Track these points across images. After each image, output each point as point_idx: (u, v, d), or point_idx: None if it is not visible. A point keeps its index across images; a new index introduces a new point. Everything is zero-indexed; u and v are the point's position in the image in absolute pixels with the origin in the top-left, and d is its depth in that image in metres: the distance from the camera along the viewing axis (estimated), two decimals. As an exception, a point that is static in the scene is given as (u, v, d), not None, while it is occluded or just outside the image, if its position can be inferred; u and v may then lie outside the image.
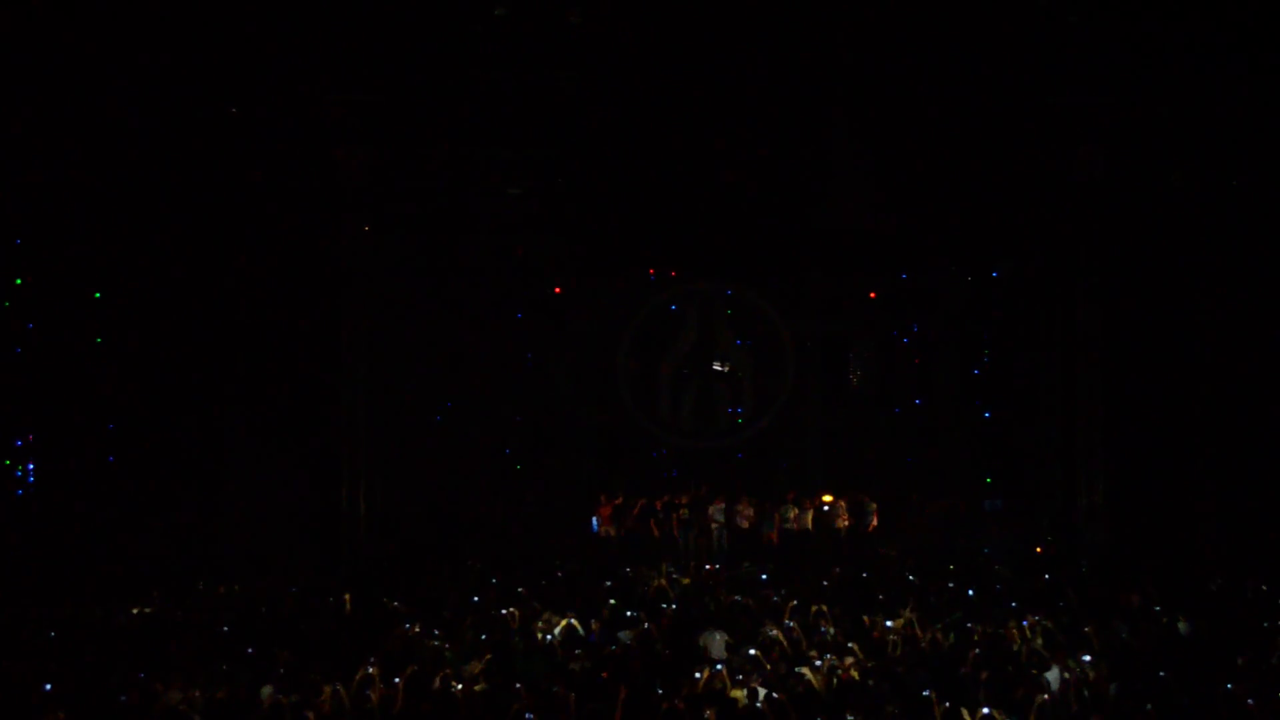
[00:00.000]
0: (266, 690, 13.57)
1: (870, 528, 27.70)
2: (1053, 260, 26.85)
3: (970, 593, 19.74)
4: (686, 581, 21.54)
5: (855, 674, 14.27)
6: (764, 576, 21.79)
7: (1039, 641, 15.72)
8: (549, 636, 16.46)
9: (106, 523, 21.87)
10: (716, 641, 16.01)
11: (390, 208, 26.27)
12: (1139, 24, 20.54)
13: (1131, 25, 20.64)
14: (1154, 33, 20.67)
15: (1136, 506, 25.01)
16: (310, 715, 12.90)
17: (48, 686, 13.64)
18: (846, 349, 31.11)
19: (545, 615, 17.43)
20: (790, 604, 17.55)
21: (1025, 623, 16.58)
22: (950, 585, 20.50)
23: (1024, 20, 20.69)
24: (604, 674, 14.56)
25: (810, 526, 27.51)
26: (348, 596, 18.45)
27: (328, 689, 13.34)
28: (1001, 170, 25.47)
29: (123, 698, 13.31)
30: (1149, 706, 13.04)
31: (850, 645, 15.45)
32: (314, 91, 22.92)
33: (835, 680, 13.98)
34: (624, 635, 16.55)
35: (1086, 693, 13.52)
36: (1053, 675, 14.02)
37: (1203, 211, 23.76)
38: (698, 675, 13.90)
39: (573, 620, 16.82)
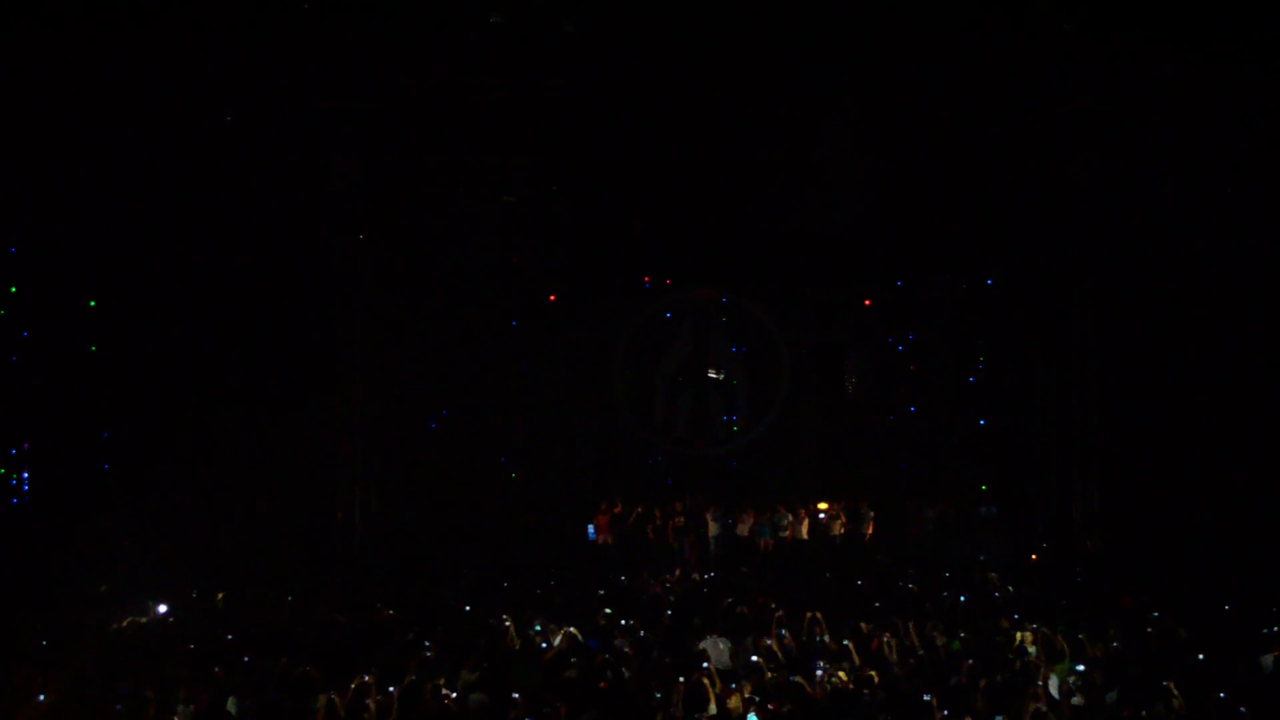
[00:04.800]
0: (232, 701, 13.57)
1: (867, 535, 27.70)
2: (1047, 267, 26.90)
3: (963, 599, 19.80)
4: (673, 589, 21.63)
5: (850, 683, 14.26)
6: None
7: (1034, 650, 15.73)
8: (545, 645, 16.45)
9: (101, 531, 21.81)
10: (720, 649, 16.00)
11: (385, 216, 26.30)
12: (1133, 31, 20.57)
13: (1125, 32, 20.66)
14: (1148, 40, 20.69)
15: (1131, 514, 25.03)
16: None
17: (41, 697, 13.61)
18: (841, 356, 31.12)
19: (540, 624, 17.42)
20: (778, 613, 17.54)
21: (1021, 630, 16.62)
22: (946, 593, 20.55)
23: (1018, 28, 20.70)
24: (601, 683, 14.54)
25: (805, 534, 27.50)
26: (341, 620, 18.40)
27: (323, 698, 13.33)
28: (996, 178, 25.53)
29: (119, 707, 13.27)
30: (1144, 713, 13.07)
31: (847, 647, 15.48)
32: (308, 100, 22.92)
33: (830, 688, 13.96)
34: (621, 643, 16.52)
35: (1083, 700, 13.51)
36: (1050, 683, 14.04)
37: (1197, 218, 23.78)
38: (681, 679, 13.88)
39: (570, 629, 16.80)
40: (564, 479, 29.65)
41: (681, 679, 13.86)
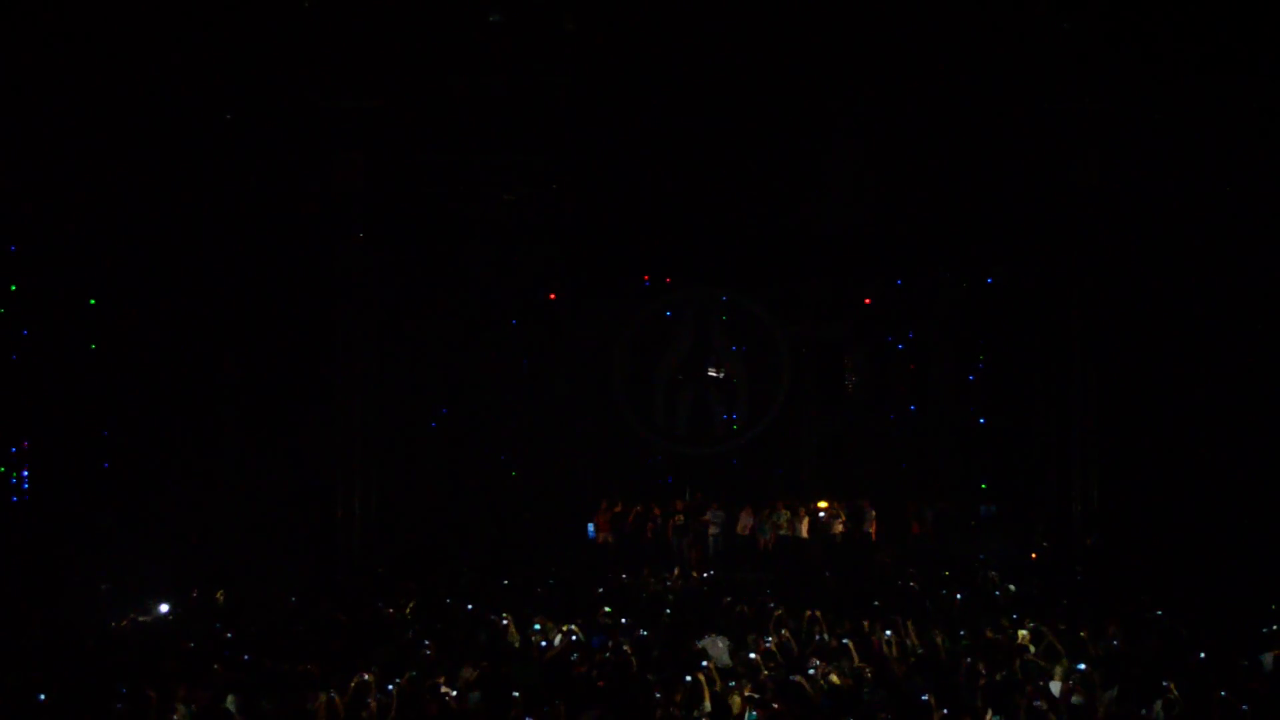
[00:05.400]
0: (231, 699, 13.57)
1: (871, 534, 27.70)
2: (1048, 266, 26.89)
3: (959, 597, 19.82)
4: (672, 587, 21.64)
5: (850, 681, 14.27)
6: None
7: (1033, 648, 15.73)
8: (544, 643, 16.46)
9: (101, 530, 21.82)
10: (719, 647, 16.00)
11: (385, 214, 26.27)
12: (1134, 30, 20.56)
13: (1127, 32, 20.65)
14: (1149, 39, 20.68)
15: (1131, 512, 25.03)
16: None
17: (41, 696, 13.61)
18: (841, 355, 31.08)
19: (540, 622, 17.43)
20: (777, 613, 17.54)
21: (1021, 629, 16.63)
22: (945, 591, 20.57)
23: (1019, 27, 20.70)
24: (600, 681, 14.56)
25: (805, 533, 27.51)
26: (342, 618, 18.41)
27: (323, 696, 13.33)
28: (997, 176, 25.50)
29: (119, 706, 13.27)
30: (1144, 712, 13.08)
31: (846, 645, 15.49)
32: (309, 98, 22.90)
33: (828, 687, 13.97)
34: (620, 641, 16.52)
35: (1083, 699, 13.51)
36: (1051, 681, 14.05)
37: (1197, 218, 23.78)
38: (689, 679, 13.90)
39: (568, 626, 16.81)
40: (564, 477, 29.67)
41: (689, 678, 13.88)
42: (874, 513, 27.90)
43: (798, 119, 23.86)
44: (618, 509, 28.22)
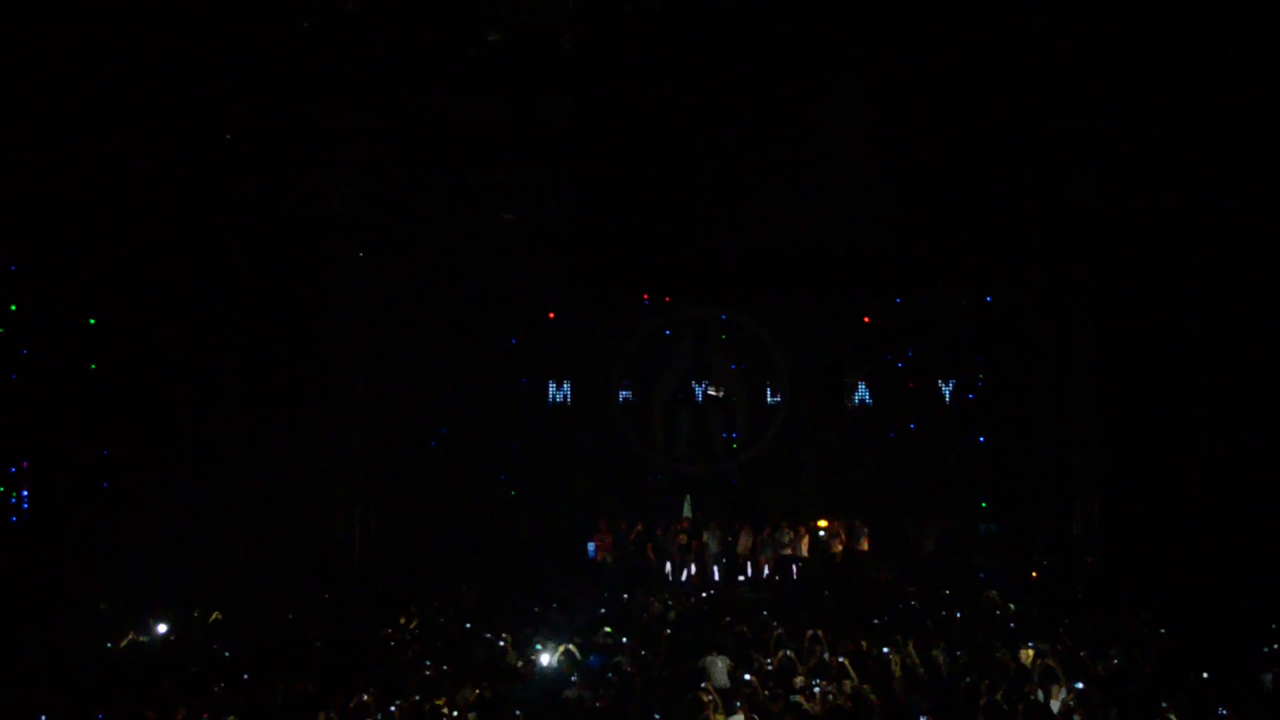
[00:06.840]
0: None
1: (864, 549, 27.64)
2: (1047, 284, 26.91)
3: (960, 615, 19.79)
4: (673, 606, 21.60)
5: (848, 701, 14.23)
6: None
7: (1035, 666, 15.69)
8: (544, 663, 16.42)
9: (101, 549, 21.79)
10: (718, 667, 15.97)
11: (384, 233, 26.30)
12: (1131, 48, 20.63)
13: (1124, 49, 20.72)
14: (1146, 57, 20.75)
15: (1131, 530, 25.01)
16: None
17: (41, 717, 13.57)
18: (841, 373, 31.06)
19: (541, 642, 17.39)
20: (777, 632, 17.50)
21: (1021, 648, 16.59)
22: (945, 610, 20.53)
23: (1017, 45, 20.76)
24: (600, 702, 14.52)
25: (805, 551, 27.46)
26: (341, 637, 18.38)
27: (322, 716, 13.30)
28: (995, 194, 25.51)
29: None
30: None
31: (845, 664, 15.45)
32: (308, 117, 22.95)
33: (829, 707, 13.92)
34: (621, 661, 16.49)
35: (1083, 718, 13.48)
36: (1050, 701, 14.01)
37: (1195, 234, 23.82)
38: (709, 697, 13.86)
39: (569, 647, 16.78)
40: (563, 496, 29.63)
41: (689, 697, 13.84)
42: (867, 529, 27.84)
43: (797, 138, 23.90)
44: (621, 527, 28.09)
